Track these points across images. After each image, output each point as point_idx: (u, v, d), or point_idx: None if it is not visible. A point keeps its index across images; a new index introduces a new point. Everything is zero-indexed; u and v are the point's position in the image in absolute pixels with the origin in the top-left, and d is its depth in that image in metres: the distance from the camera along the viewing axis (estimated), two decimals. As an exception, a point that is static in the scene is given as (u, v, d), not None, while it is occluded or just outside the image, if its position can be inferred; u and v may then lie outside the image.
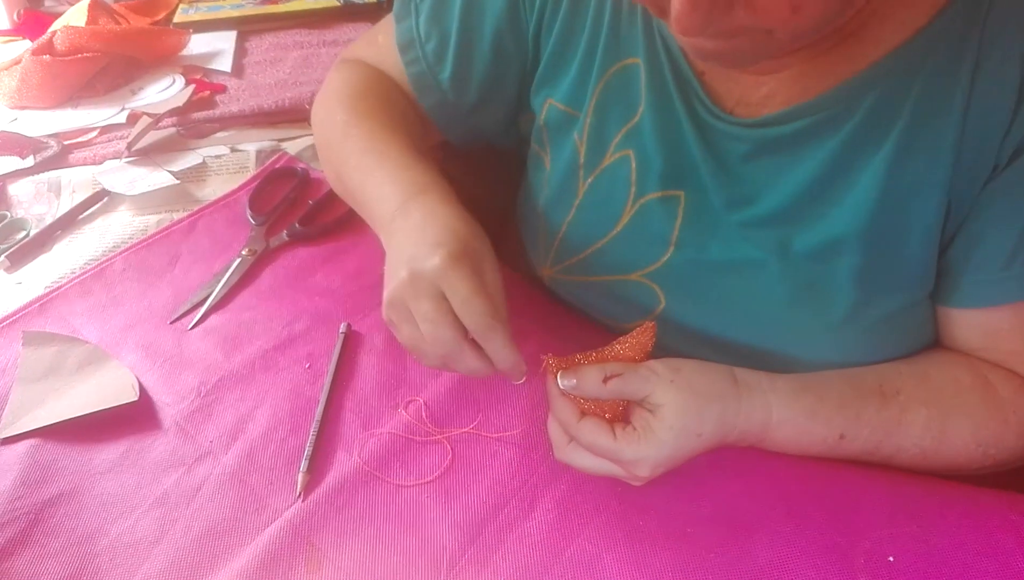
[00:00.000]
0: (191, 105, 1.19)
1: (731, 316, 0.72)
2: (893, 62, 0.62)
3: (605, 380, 0.62)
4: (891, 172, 0.63)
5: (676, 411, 0.61)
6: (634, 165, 0.74)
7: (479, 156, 0.96)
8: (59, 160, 1.10)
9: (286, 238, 0.95)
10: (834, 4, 0.53)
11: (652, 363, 0.64)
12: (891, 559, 0.62)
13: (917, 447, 0.66)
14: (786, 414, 0.65)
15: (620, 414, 0.64)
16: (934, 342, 0.71)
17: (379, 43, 0.90)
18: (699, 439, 0.62)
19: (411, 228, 0.68)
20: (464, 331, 0.63)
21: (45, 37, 1.22)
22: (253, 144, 1.12)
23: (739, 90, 0.69)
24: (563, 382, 0.63)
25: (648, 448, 0.61)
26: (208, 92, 1.23)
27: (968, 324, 0.68)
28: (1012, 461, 0.68)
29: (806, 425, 0.66)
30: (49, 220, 1.00)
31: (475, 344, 0.64)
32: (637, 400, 0.63)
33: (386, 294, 0.66)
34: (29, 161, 1.08)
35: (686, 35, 0.54)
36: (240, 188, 1.02)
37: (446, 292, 0.62)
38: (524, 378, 0.66)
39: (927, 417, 0.66)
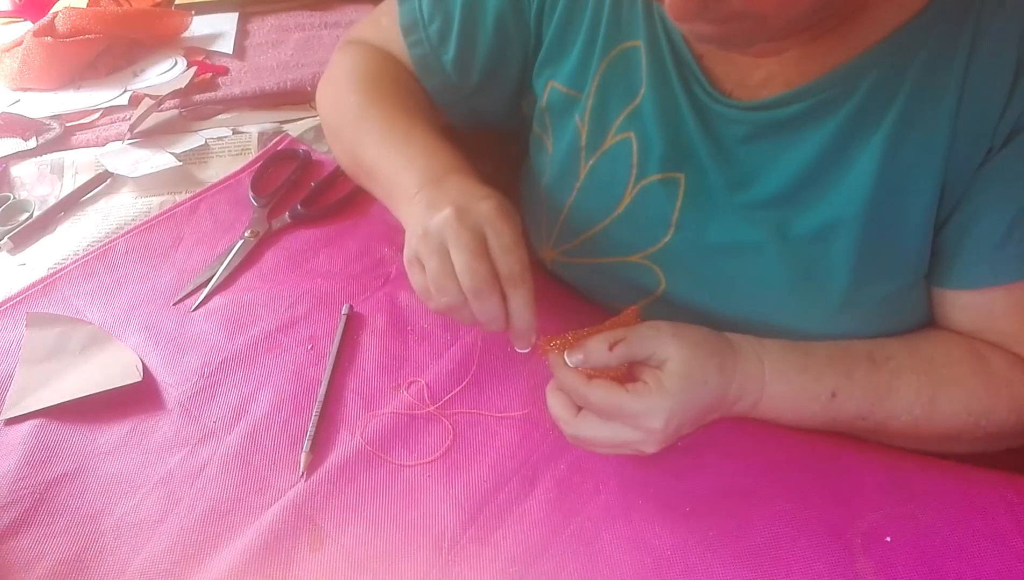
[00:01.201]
0: (193, 87, 1.19)
1: (730, 297, 0.72)
2: (891, 45, 0.62)
3: (610, 347, 0.63)
4: (888, 154, 0.63)
5: (682, 361, 0.62)
6: (635, 147, 0.74)
7: (481, 139, 0.96)
8: (61, 142, 1.10)
9: (288, 220, 0.95)
10: None
11: (653, 322, 0.65)
12: (888, 539, 0.62)
13: (909, 414, 0.67)
14: (778, 366, 0.66)
15: (625, 381, 0.64)
16: (929, 324, 0.72)
17: (383, 25, 0.90)
18: (705, 387, 0.63)
19: (453, 188, 0.68)
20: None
21: (46, 18, 1.22)
22: (255, 126, 1.12)
23: (738, 73, 0.69)
24: (571, 359, 0.64)
25: (659, 397, 0.61)
26: (210, 74, 1.22)
27: (962, 305, 0.68)
28: (1004, 435, 0.68)
29: (798, 379, 0.66)
30: (52, 202, 1.00)
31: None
32: (642, 360, 0.64)
33: (422, 227, 0.65)
34: (31, 143, 1.08)
35: (680, 20, 0.54)
36: (242, 170, 1.02)
37: (490, 234, 0.63)
38: (529, 348, 0.66)
39: (918, 384, 0.67)
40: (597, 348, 0.64)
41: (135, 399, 0.76)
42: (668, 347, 0.63)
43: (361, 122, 0.83)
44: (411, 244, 0.67)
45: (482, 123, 0.93)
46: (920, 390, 0.67)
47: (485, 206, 0.65)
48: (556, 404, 0.66)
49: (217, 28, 1.36)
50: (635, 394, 0.62)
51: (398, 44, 0.88)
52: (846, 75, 0.64)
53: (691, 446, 0.69)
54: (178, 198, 1.00)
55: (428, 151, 0.76)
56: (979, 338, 0.69)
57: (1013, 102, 0.59)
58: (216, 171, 1.05)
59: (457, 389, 0.75)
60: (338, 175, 1.00)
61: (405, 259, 0.68)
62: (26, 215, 0.99)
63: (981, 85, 0.60)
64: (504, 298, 0.64)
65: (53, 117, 1.13)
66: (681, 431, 0.64)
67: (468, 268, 0.62)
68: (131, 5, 1.37)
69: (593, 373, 0.64)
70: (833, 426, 0.68)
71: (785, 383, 0.66)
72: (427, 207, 0.67)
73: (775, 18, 0.54)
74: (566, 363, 0.64)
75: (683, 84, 0.71)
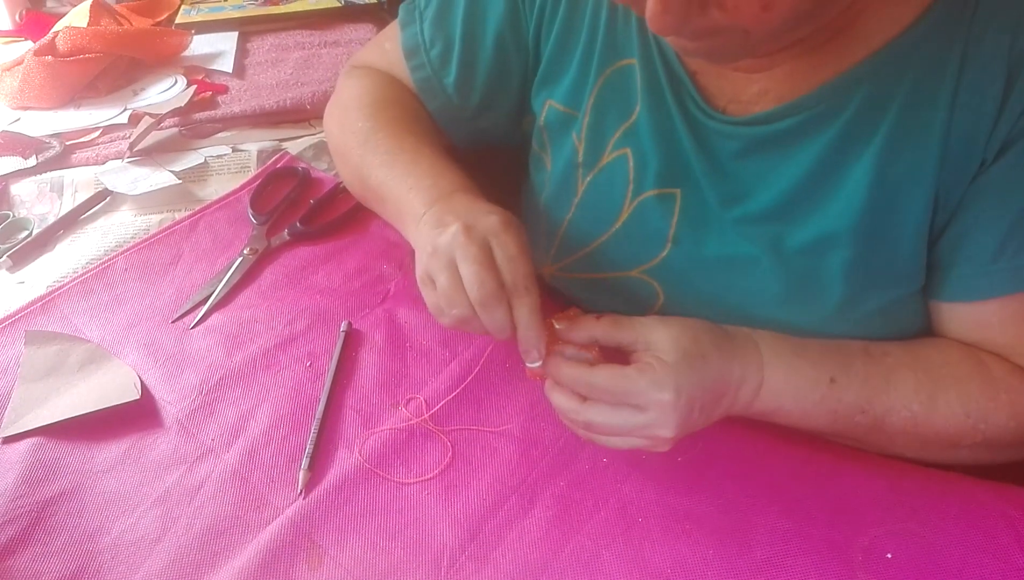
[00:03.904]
0: (193, 105, 1.19)
1: (727, 311, 0.72)
2: (882, 58, 0.62)
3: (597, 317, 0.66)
4: (880, 167, 0.64)
5: (672, 339, 0.63)
6: (632, 164, 0.74)
7: (481, 158, 0.97)
8: (61, 160, 1.10)
9: (287, 237, 0.95)
10: (806, 2, 0.54)
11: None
12: (889, 556, 0.62)
13: (908, 410, 0.66)
14: (774, 349, 0.67)
15: None
16: (926, 335, 0.72)
17: (386, 50, 0.92)
18: (706, 362, 0.63)
19: (459, 205, 0.69)
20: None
21: (47, 38, 1.22)
22: (254, 144, 1.13)
23: (731, 89, 0.69)
24: (559, 324, 0.66)
25: (663, 370, 0.61)
26: (210, 92, 1.23)
27: (958, 318, 0.68)
28: (1005, 443, 0.67)
29: (795, 362, 0.66)
30: (51, 220, 1.00)
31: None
32: (628, 343, 0.65)
33: (432, 245, 0.67)
34: (31, 161, 1.08)
35: (660, 34, 0.55)
36: (241, 187, 1.03)
37: (496, 247, 0.64)
38: (540, 361, 0.66)
39: (916, 381, 0.66)
40: (586, 318, 0.66)
41: (133, 417, 0.76)
42: (656, 331, 0.64)
43: (368, 145, 0.84)
44: (422, 263, 0.68)
45: (485, 143, 0.94)
46: (919, 387, 0.66)
47: (491, 219, 0.66)
48: (560, 397, 0.65)
49: (217, 47, 1.37)
50: (639, 370, 0.62)
51: (401, 68, 0.89)
52: (838, 89, 0.64)
53: (691, 464, 0.69)
54: (177, 216, 1.00)
55: (434, 172, 0.77)
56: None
57: (1004, 114, 0.60)
58: (215, 189, 1.05)
59: (450, 397, 0.75)
60: (337, 193, 1.00)
61: (418, 278, 0.69)
62: (25, 233, 0.99)
63: (972, 98, 0.60)
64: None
65: (53, 136, 1.14)
66: (692, 414, 0.63)
67: (476, 279, 0.63)
68: (131, 25, 1.38)
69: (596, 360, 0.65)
70: (835, 422, 0.67)
71: (783, 365, 0.66)
72: (435, 226, 0.68)
73: (756, 32, 0.55)
74: (562, 359, 0.65)
75: (677, 101, 0.71)
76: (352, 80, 0.93)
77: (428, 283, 0.68)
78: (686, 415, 0.62)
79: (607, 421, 0.63)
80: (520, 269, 0.64)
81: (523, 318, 0.64)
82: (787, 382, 0.66)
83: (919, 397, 0.66)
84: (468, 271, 0.63)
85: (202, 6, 1.49)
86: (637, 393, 0.61)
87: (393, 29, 0.91)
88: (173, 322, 0.85)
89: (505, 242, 0.65)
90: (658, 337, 0.63)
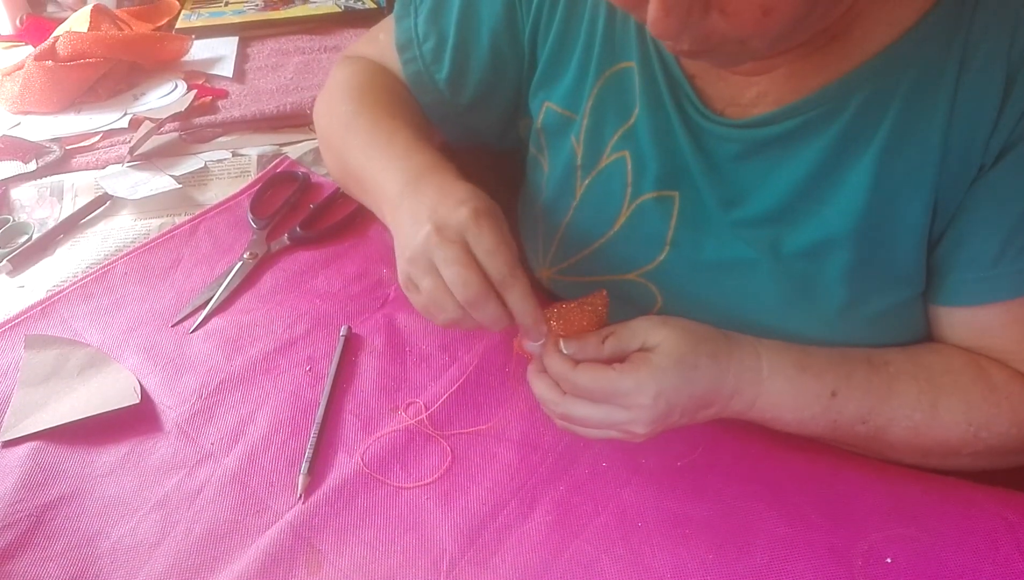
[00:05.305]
0: (193, 110, 1.19)
1: (727, 314, 0.72)
2: (881, 62, 0.62)
3: (603, 341, 0.65)
4: (879, 171, 0.64)
5: (672, 343, 0.63)
6: (630, 166, 0.74)
7: (479, 160, 0.97)
8: (61, 165, 1.10)
9: (287, 242, 0.95)
10: (803, 6, 0.54)
11: (645, 316, 0.66)
12: (889, 560, 0.62)
13: (909, 420, 0.66)
14: (776, 362, 0.66)
15: None
16: (928, 340, 0.72)
17: (380, 41, 0.92)
18: (696, 372, 0.63)
19: (430, 193, 0.67)
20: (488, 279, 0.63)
21: (48, 43, 1.23)
22: (255, 148, 1.13)
23: (730, 91, 0.69)
24: (567, 348, 0.65)
25: (647, 373, 0.61)
26: (210, 97, 1.23)
27: (958, 322, 0.68)
28: (1007, 450, 0.67)
29: (797, 377, 0.66)
30: (51, 224, 1.00)
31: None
32: (634, 350, 0.64)
33: (408, 250, 0.65)
34: (32, 165, 1.09)
35: (661, 39, 0.54)
36: (242, 192, 1.03)
37: (471, 242, 0.63)
38: (542, 340, 0.66)
39: (918, 390, 0.66)
40: (591, 344, 0.65)
41: (133, 421, 0.76)
42: (658, 333, 0.64)
43: (350, 129, 0.83)
44: (402, 268, 0.67)
45: (476, 140, 0.93)
46: (920, 396, 0.66)
47: (461, 214, 0.63)
48: (542, 386, 0.66)
49: (217, 52, 1.37)
50: (622, 371, 0.62)
51: (393, 60, 0.89)
52: (837, 92, 0.64)
53: (690, 469, 0.69)
54: (177, 220, 1.00)
55: (407, 152, 0.76)
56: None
57: (1003, 118, 0.60)
58: (215, 193, 1.05)
59: (446, 394, 0.75)
60: (337, 197, 1.00)
61: (400, 283, 0.68)
62: (25, 237, 0.99)
63: (971, 101, 0.60)
64: (502, 299, 0.63)
65: (53, 140, 1.14)
66: (672, 416, 0.63)
67: (459, 280, 0.62)
68: (132, 29, 1.38)
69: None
70: (834, 431, 0.67)
71: (784, 380, 0.66)
72: (412, 221, 0.66)
73: (756, 39, 0.55)
74: (554, 350, 0.65)
75: (676, 104, 0.71)
76: (342, 69, 0.93)
77: (412, 288, 0.67)
78: (663, 417, 0.63)
79: (585, 415, 0.64)
80: (501, 260, 0.62)
81: (518, 305, 0.63)
82: (787, 395, 0.66)
83: (921, 406, 0.66)
84: (450, 273, 0.62)
85: (202, 11, 1.49)
86: (618, 393, 0.62)
87: (388, 22, 0.90)
88: (173, 326, 0.85)
89: (479, 235, 0.63)
90: (659, 339, 0.63)
